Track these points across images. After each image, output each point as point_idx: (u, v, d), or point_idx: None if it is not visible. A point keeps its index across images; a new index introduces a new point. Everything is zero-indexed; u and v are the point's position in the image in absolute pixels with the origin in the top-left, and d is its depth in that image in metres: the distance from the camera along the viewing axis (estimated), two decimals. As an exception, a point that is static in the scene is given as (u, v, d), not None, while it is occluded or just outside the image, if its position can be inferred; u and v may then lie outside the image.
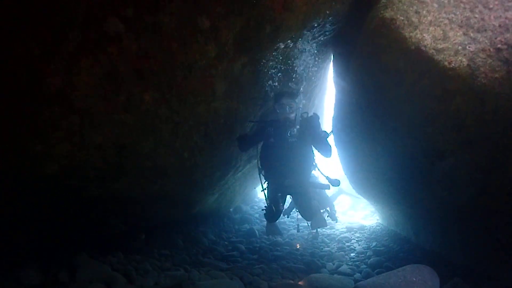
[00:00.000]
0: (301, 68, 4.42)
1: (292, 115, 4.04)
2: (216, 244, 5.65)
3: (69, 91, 2.49)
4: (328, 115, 8.44)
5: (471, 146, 2.72)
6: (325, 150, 4.05)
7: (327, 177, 4.16)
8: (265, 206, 4.56)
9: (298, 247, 5.67)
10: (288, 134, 4.03)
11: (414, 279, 2.79)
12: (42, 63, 2.30)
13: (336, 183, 4.03)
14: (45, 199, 3.17)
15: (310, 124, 4.01)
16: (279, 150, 4.16)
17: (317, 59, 4.65)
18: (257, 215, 8.44)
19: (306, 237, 6.26)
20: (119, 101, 2.80)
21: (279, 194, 4.51)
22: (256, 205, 9.34)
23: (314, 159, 4.35)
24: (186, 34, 2.76)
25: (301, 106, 4.23)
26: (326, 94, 7.65)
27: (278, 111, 4.10)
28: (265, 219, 7.97)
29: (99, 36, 2.42)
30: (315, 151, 4.34)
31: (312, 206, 4.72)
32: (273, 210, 4.46)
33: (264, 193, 4.54)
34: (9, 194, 2.91)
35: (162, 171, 3.81)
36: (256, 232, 6.56)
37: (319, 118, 4.15)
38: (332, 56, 5.21)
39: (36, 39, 2.21)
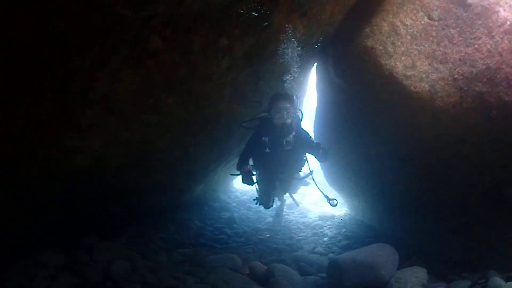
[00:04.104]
0: (292, 75, 4.96)
1: (289, 121, 3.88)
2: (203, 229, 6.19)
3: (111, 96, 2.96)
4: (307, 113, 9.16)
5: (427, 153, 3.50)
6: (321, 156, 4.05)
7: (325, 196, 4.14)
8: (256, 197, 4.90)
9: (267, 236, 6.30)
10: (284, 143, 3.92)
11: (379, 253, 3.56)
12: (94, 71, 2.72)
13: (333, 203, 4.00)
14: (67, 188, 3.55)
15: (303, 139, 4.04)
16: (274, 158, 4.11)
17: (304, 67, 5.31)
18: (234, 204, 9.07)
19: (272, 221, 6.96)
20: (148, 104, 3.30)
21: (270, 186, 4.67)
22: (233, 195, 9.96)
23: (305, 158, 4.43)
24: (209, 51, 3.30)
25: (298, 109, 4.13)
26: (306, 95, 8.37)
27: (275, 116, 3.90)
28: (243, 208, 8.67)
29: (142, 51, 2.89)
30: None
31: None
32: (266, 199, 4.76)
33: (256, 187, 4.63)
34: (39, 185, 3.27)
35: (169, 163, 4.33)
36: (236, 219, 7.18)
37: (308, 134, 4.18)
38: (315, 64, 5.87)
39: (91, 51, 2.62)
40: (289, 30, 3.78)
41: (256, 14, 3.29)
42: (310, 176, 4.67)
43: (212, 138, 4.62)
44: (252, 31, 3.49)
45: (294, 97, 4.05)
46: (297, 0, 3.38)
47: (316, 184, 4.46)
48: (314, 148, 4.02)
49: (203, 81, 3.56)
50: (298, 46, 4.12)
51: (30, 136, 2.81)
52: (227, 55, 3.53)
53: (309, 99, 8.52)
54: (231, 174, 5.20)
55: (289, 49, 4.08)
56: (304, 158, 4.38)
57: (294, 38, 3.92)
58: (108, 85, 2.88)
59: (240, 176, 4.24)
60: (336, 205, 4.00)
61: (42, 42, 2.18)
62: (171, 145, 4.02)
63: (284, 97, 3.97)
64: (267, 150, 4.02)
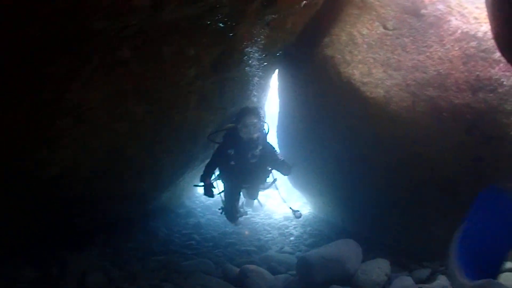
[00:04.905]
0: (255, 82, 5.12)
1: (256, 135, 3.96)
2: (171, 236, 6.16)
3: (82, 105, 2.94)
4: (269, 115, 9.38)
5: (385, 153, 3.81)
6: (285, 171, 4.28)
7: (290, 208, 4.35)
8: (221, 207, 4.91)
9: (247, 233, 6.48)
10: (250, 156, 4.03)
11: (345, 248, 3.82)
12: (67, 80, 2.67)
13: (298, 215, 4.25)
14: (35, 199, 3.44)
15: (268, 153, 4.18)
16: (239, 170, 4.19)
17: (266, 73, 5.51)
18: (199, 209, 9.05)
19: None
20: (118, 113, 3.30)
21: (235, 196, 4.83)
22: (197, 200, 9.93)
23: (270, 169, 4.53)
24: (178, 60, 3.37)
25: (264, 123, 4.24)
26: (267, 100, 8.59)
27: (242, 130, 3.95)
28: (209, 213, 8.68)
29: (112, 60, 2.89)
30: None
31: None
32: (231, 210, 4.85)
33: (221, 196, 4.74)
34: (7, 197, 3.15)
35: (138, 170, 4.31)
36: (203, 225, 7.21)
37: (274, 148, 4.33)
38: (276, 69, 6.08)
39: (64, 60, 2.57)
40: (253, 40, 3.95)
41: (223, 25, 3.42)
42: (274, 184, 4.88)
43: (179, 144, 4.66)
44: (219, 41, 3.60)
45: (261, 111, 4.19)
46: (261, 13, 3.56)
47: (279, 194, 4.69)
48: (279, 164, 4.21)
49: (171, 89, 3.62)
50: (261, 54, 4.31)
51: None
52: (195, 64, 3.62)
53: (270, 104, 8.72)
54: (194, 185, 5.26)
55: (253, 57, 4.26)
56: (269, 169, 4.51)
57: (257, 47, 4.10)
58: (80, 94, 2.85)
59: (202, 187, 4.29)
60: (300, 217, 4.25)
61: (17, 50, 2.15)
62: (139, 153, 4.02)
63: (252, 112, 4.05)
64: (232, 162, 4.10)
